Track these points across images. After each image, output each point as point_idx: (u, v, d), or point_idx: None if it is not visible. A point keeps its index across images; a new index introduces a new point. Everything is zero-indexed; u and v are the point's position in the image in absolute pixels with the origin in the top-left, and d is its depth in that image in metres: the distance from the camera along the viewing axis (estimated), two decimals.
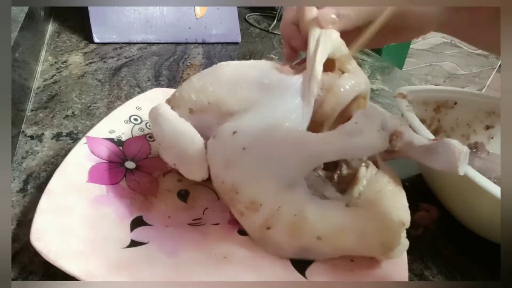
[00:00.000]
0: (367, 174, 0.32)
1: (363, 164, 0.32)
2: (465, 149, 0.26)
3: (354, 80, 0.30)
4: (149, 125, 0.40)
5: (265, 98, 0.31)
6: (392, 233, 0.29)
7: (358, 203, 0.30)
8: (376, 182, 0.31)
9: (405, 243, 0.29)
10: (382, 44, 0.38)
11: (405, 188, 0.33)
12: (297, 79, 0.31)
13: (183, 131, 0.32)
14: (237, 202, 0.29)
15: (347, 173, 0.32)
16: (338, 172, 0.32)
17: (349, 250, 0.30)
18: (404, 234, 0.29)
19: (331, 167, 0.33)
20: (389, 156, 0.33)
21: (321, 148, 0.28)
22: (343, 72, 0.31)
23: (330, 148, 0.28)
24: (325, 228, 0.28)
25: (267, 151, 0.28)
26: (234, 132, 0.29)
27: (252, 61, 0.35)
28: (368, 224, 0.29)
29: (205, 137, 0.32)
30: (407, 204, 0.30)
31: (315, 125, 0.30)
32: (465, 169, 0.28)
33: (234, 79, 0.33)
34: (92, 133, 0.37)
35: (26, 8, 0.47)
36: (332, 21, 0.31)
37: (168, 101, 0.35)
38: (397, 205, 0.30)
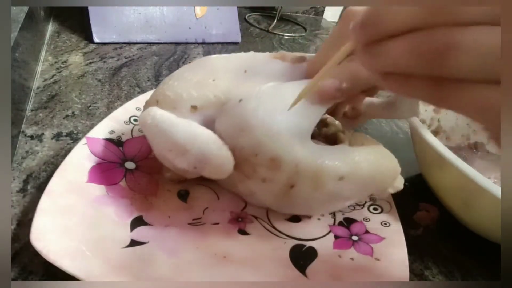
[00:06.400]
0: (346, 136, 0.34)
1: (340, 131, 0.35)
2: None
3: None
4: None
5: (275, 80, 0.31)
6: (395, 161, 0.32)
7: None
8: (357, 140, 0.34)
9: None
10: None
11: (405, 188, 0.33)
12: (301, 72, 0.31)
13: (198, 132, 0.30)
14: (258, 166, 0.29)
15: (330, 132, 0.35)
16: (324, 129, 0.35)
17: (370, 183, 0.31)
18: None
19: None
20: (356, 122, 0.36)
21: (328, 89, 0.28)
22: None
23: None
24: (345, 167, 0.29)
25: (277, 107, 0.28)
26: (240, 100, 0.29)
27: (238, 53, 0.35)
28: (378, 152, 0.31)
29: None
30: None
31: None
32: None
33: (234, 68, 0.32)
34: (92, 133, 0.37)
35: (26, 8, 0.47)
36: (333, 96, 0.30)
37: (155, 103, 0.33)
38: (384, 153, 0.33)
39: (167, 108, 0.32)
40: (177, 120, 0.31)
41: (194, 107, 0.31)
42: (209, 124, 0.31)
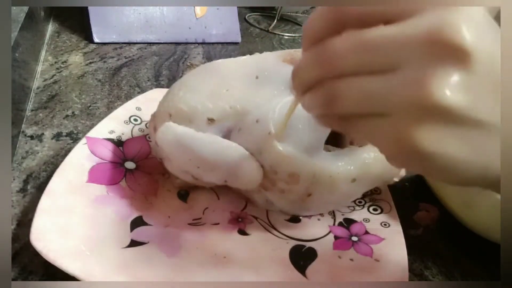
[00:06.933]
0: None
1: None
2: None
3: None
4: (151, 135, 0.35)
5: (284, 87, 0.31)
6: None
7: None
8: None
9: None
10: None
11: (405, 188, 0.33)
12: None
13: (226, 147, 0.30)
14: (278, 181, 0.30)
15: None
16: None
17: (378, 179, 0.33)
18: None
19: None
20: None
21: None
22: None
23: None
24: (356, 170, 0.30)
25: (292, 127, 0.29)
26: (257, 121, 0.30)
27: (245, 57, 0.35)
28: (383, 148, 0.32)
29: None
30: None
31: None
32: None
33: (244, 74, 0.32)
34: (92, 133, 0.37)
35: (26, 8, 0.47)
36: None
37: (168, 117, 0.31)
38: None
39: (183, 121, 0.31)
40: (201, 135, 0.30)
41: (211, 120, 0.31)
42: (227, 135, 0.31)
